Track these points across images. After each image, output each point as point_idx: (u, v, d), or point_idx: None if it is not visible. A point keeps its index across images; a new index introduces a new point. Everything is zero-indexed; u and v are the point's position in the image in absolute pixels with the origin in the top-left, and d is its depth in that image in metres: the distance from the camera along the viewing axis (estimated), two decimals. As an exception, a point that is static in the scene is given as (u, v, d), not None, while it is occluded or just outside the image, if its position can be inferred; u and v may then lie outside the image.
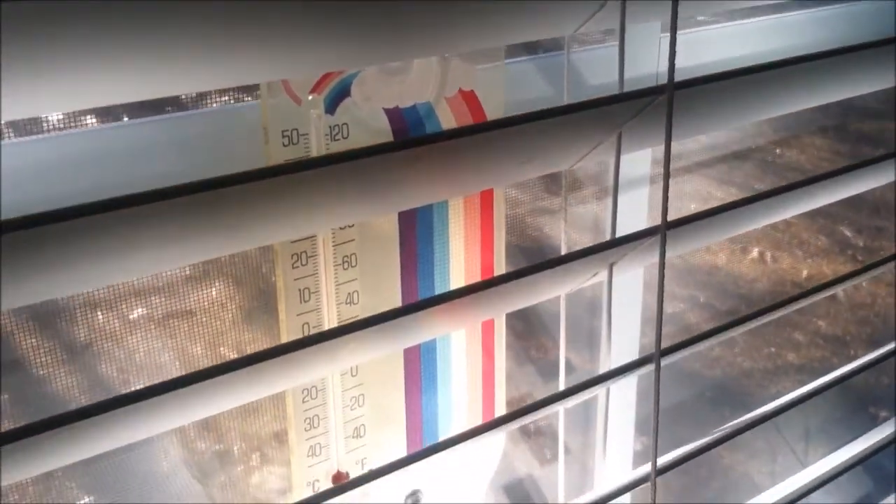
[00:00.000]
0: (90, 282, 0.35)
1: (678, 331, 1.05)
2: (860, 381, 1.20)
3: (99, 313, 0.45)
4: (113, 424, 0.32)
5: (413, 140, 0.35)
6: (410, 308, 0.37)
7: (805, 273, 1.23)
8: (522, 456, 0.68)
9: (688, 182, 0.86)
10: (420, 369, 0.47)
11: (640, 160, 0.59)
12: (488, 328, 0.49)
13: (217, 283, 0.48)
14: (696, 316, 1.08)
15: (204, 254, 0.35)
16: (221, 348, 0.48)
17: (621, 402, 0.61)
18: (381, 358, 0.45)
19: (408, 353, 0.46)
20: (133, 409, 0.32)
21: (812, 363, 1.15)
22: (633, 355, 0.63)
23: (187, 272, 0.47)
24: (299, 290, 0.42)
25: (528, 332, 0.68)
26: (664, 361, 0.46)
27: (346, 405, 0.44)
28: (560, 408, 0.46)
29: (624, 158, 0.43)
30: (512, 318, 0.57)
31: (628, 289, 0.61)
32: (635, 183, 0.59)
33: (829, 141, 1.09)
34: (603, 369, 0.45)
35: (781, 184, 0.46)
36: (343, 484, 0.37)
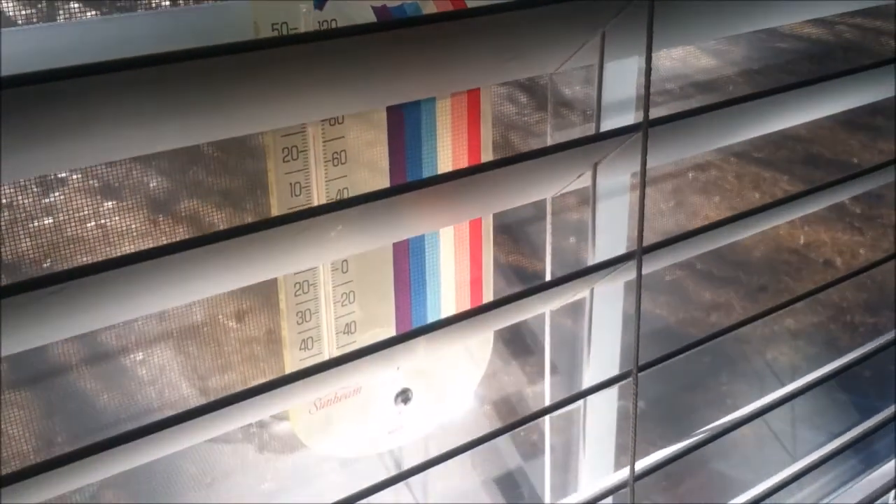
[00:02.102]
0: (78, 158, 0.35)
1: (677, 300, 1.06)
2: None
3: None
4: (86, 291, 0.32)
5: (396, 22, 0.36)
6: (395, 190, 0.38)
7: (802, 240, 1.24)
8: (510, 376, 0.70)
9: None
10: (409, 269, 0.48)
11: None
12: (475, 234, 0.50)
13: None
14: (694, 283, 1.09)
15: (194, 134, 0.36)
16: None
17: (606, 324, 0.62)
18: (370, 257, 0.46)
19: (397, 253, 0.47)
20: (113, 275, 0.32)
21: (809, 329, 1.16)
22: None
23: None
24: (290, 184, 0.43)
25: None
26: (647, 269, 0.47)
27: (337, 301, 0.45)
28: (546, 309, 0.47)
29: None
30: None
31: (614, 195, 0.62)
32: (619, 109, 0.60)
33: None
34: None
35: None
36: (327, 361, 0.38)
